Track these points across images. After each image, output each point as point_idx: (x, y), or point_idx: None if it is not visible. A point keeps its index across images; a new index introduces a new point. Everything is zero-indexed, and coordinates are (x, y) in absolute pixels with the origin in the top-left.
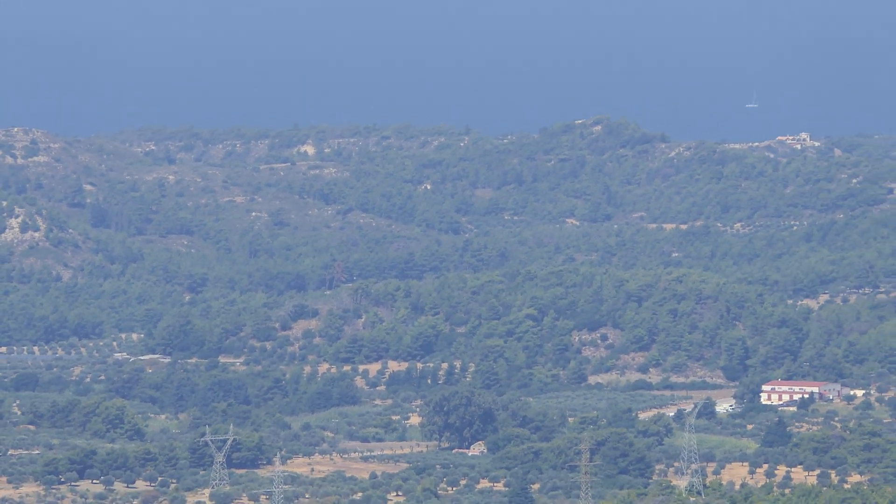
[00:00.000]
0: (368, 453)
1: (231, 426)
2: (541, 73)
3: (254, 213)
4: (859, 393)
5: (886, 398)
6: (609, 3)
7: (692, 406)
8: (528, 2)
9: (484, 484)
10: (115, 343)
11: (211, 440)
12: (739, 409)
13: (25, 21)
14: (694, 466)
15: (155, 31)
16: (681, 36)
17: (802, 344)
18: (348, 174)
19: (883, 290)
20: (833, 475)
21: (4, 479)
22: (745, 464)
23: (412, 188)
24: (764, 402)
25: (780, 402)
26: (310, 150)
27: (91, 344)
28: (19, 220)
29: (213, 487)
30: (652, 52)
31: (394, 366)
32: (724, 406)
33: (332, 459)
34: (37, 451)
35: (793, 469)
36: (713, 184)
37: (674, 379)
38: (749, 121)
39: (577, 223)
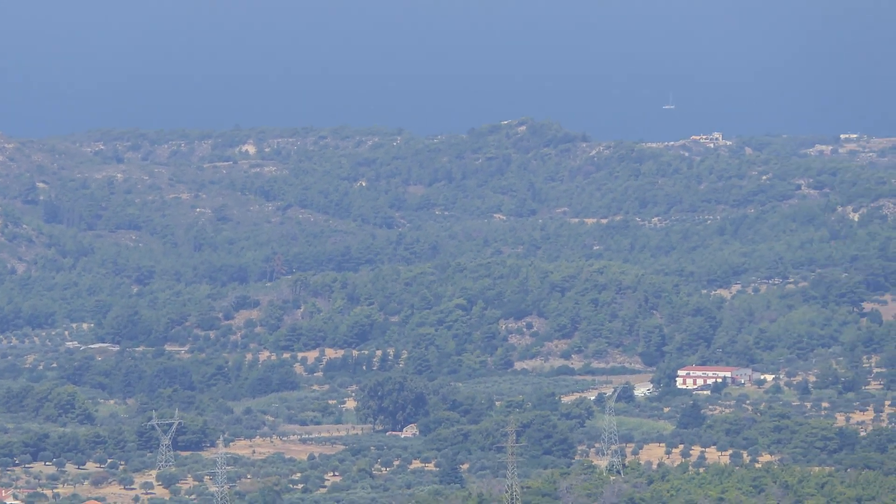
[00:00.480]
0: (307, 436)
1: (176, 411)
2: (470, 78)
3: (198, 209)
4: (769, 377)
5: (795, 382)
6: (534, 15)
7: (612, 390)
8: (459, 12)
9: (416, 464)
10: (66, 332)
11: (157, 424)
12: (656, 393)
13: None
14: (614, 447)
15: (102, 37)
16: (599, 40)
17: (716, 331)
18: (287, 172)
19: (792, 280)
20: (745, 455)
21: None
22: (661, 444)
23: (348, 185)
24: (679, 387)
25: (695, 387)
26: (251, 149)
27: (44, 333)
28: None
29: (159, 469)
30: (574, 56)
31: (331, 353)
32: (641, 390)
33: (272, 442)
34: None
35: (707, 449)
36: (631, 181)
37: (595, 365)
38: (666, 121)
39: (504, 218)
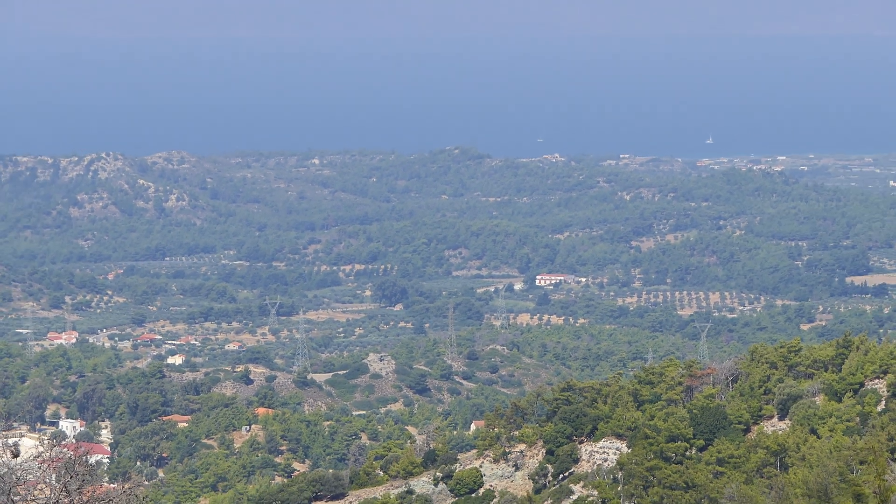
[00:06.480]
0: (346, 309)
1: (278, 296)
2: (433, 115)
3: (289, 192)
4: (584, 279)
5: (598, 282)
6: (460, 68)
7: (503, 286)
8: (435, 66)
9: (402, 324)
10: (221, 256)
11: (268, 302)
12: (525, 287)
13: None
14: (504, 315)
15: (240, 90)
16: (500, 82)
17: (556, 256)
18: (335, 173)
19: (595, 230)
20: (571, 319)
21: (168, 321)
22: (528, 314)
23: (366, 180)
24: (538, 284)
25: (546, 284)
26: (316, 161)
27: (210, 256)
28: (175, 195)
29: (269, 326)
30: (487, 102)
31: (358, 267)
32: (518, 286)
33: (328, 312)
34: (183, 308)
35: (551, 317)
36: (513, 178)
37: (494, 273)
38: (536, 146)
39: (447, 198)
